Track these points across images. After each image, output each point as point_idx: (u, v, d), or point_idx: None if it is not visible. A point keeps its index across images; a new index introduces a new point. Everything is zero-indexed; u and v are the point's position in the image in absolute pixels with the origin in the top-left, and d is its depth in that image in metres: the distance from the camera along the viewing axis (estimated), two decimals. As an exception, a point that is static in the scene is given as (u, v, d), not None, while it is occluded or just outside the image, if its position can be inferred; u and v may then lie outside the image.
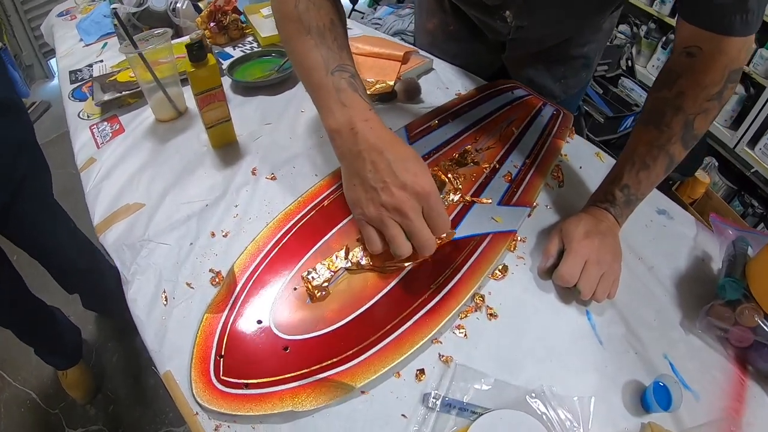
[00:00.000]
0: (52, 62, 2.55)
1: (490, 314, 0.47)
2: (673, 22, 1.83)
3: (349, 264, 0.47)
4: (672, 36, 1.93)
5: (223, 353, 0.41)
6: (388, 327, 0.43)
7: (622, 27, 2.02)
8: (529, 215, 0.57)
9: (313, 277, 0.46)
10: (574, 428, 0.38)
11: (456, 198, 0.56)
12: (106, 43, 0.98)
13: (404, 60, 0.85)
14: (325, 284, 0.46)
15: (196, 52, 0.54)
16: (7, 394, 1.25)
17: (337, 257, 0.48)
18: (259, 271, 0.47)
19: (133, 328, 0.46)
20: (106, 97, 0.69)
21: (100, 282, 1.17)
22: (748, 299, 0.45)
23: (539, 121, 0.71)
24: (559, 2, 0.60)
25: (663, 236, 0.57)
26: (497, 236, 0.53)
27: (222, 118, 0.62)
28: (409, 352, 0.42)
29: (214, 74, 0.57)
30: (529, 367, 0.43)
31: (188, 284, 0.48)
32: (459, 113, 0.71)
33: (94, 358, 1.31)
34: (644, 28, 2.03)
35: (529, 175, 0.61)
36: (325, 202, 0.54)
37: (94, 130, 0.69)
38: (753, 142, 1.60)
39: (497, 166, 0.62)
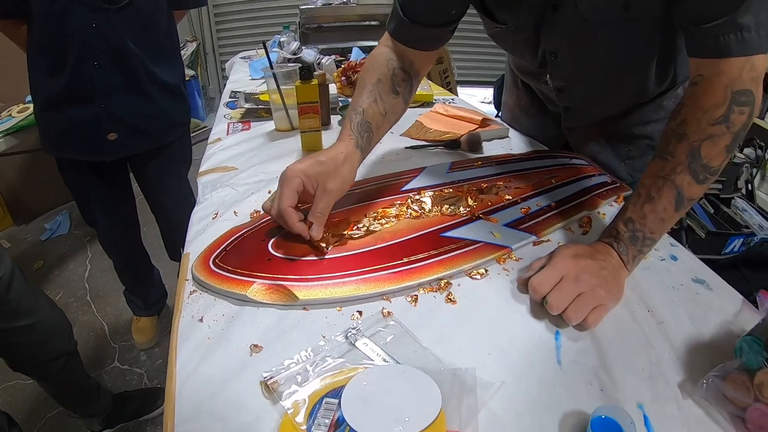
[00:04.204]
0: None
1: (449, 299, 0.49)
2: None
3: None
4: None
5: (227, 249, 0.53)
6: (350, 271, 0.49)
7: (747, 150, 1.85)
8: (535, 244, 0.58)
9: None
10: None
11: (464, 211, 0.61)
12: (265, 81, 1.35)
13: (482, 124, 0.97)
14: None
15: (305, 73, 0.77)
16: (87, 318, 1.56)
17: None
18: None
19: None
20: (246, 105, 0.99)
21: None
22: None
23: (585, 182, 0.72)
24: (582, 57, 0.66)
25: (690, 301, 0.49)
26: (488, 246, 0.55)
27: (313, 127, 0.82)
28: (355, 294, 0.47)
29: (314, 92, 0.79)
30: (466, 350, 0.43)
31: (235, 212, 0.63)
32: (505, 162, 0.78)
33: (168, 321, 1.54)
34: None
35: (548, 215, 0.62)
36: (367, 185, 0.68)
37: (230, 125, 0.97)
38: None
39: (519, 200, 0.65)
